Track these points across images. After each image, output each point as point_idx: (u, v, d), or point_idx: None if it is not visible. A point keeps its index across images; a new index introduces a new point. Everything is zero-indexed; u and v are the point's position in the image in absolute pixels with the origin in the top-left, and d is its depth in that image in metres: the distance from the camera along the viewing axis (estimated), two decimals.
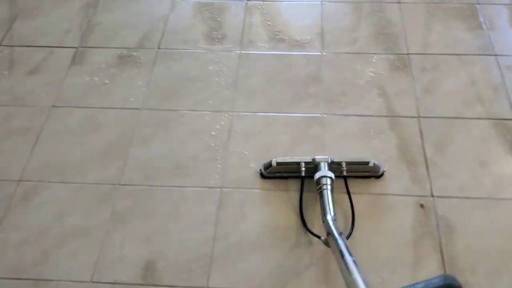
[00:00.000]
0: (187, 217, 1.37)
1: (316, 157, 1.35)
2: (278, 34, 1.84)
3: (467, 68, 1.70)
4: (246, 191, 1.42)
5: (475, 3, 1.91)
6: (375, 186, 1.43)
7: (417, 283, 0.63)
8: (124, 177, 1.46)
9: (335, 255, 1.10)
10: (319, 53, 1.78)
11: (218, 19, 1.91)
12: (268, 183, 1.44)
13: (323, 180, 1.30)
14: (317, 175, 1.32)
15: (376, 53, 1.76)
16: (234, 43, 1.82)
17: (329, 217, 1.21)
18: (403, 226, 1.33)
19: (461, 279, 1.11)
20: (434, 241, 1.31)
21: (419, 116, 1.58)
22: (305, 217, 1.32)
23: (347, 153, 1.47)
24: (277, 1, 1.97)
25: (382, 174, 1.42)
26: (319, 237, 1.24)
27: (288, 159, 1.38)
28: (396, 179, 1.43)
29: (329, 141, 1.53)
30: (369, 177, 1.42)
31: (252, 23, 1.89)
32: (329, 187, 1.29)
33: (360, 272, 0.98)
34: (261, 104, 1.63)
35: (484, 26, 1.82)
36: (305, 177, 1.35)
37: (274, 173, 1.41)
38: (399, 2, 1.94)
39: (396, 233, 1.32)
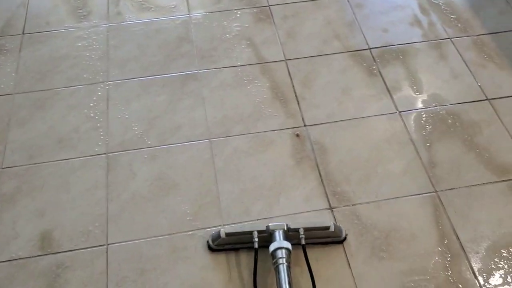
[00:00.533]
0: (77, 186, 1.38)
1: (270, 224, 1.19)
2: (144, 4, 1.88)
3: (322, 11, 1.83)
4: (133, 152, 1.45)
5: None
6: (335, 252, 1.29)
7: None
8: (6, 161, 1.44)
9: None
10: (186, 15, 1.83)
11: None
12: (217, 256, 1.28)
13: (279, 253, 1.14)
14: (272, 247, 1.15)
15: (239, 9, 1.85)
16: (101, 17, 1.83)
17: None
18: (284, 155, 1.44)
19: (338, 189, 1.26)
20: (311, 163, 1.43)
21: (286, 59, 1.70)
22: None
23: (226, 102, 1.59)
24: None
25: (344, 239, 1.27)
26: None
27: (238, 228, 1.23)
28: (272, 117, 1.53)
29: (207, 94, 1.60)
30: (330, 243, 1.27)
31: None
32: (285, 261, 1.13)
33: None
34: (135, 70, 1.66)
35: None
36: (259, 246, 1.18)
37: (223, 245, 1.24)
38: None
39: (279, 163, 1.43)
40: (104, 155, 1.45)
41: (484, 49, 1.71)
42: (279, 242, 1.15)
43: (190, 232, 1.30)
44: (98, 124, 1.51)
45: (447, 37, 1.75)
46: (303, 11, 1.84)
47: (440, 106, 1.55)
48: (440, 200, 1.35)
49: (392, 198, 1.35)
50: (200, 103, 1.56)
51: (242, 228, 1.23)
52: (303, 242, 1.18)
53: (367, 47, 1.72)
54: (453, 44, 1.73)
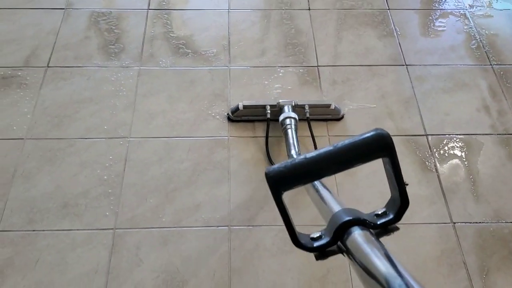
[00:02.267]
0: (75, 267, 1.22)
1: (280, 100, 1.43)
2: (182, 47, 1.70)
3: (377, 80, 1.62)
4: (143, 232, 1.27)
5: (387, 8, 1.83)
6: (336, 127, 1.53)
7: (355, 137, 0.65)
8: (3, 222, 1.28)
9: (319, 207, 0.99)
10: (226, 67, 1.64)
11: (116, 30, 1.73)
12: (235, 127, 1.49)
13: (287, 121, 1.37)
14: (281, 117, 1.39)
15: (284, 66, 1.65)
16: (133, 58, 1.65)
17: (293, 152, 1.27)
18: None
19: None
20: (345, 275, 1.21)
21: (329, 135, 1.49)
22: (272, 156, 1.42)
23: (254, 180, 1.42)
24: (181, 9, 1.81)
25: (342, 117, 1.52)
26: None
27: (254, 102, 1.46)
28: (304, 209, 1.32)
29: (235, 168, 1.41)
30: (330, 119, 1.51)
31: (154, 35, 1.73)
32: (293, 126, 1.36)
33: (329, 191, 0.88)
34: (161, 127, 1.49)
35: (395, 34, 1.75)
36: (270, 119, 1.43)
37: (241, 116, 1.48)
38: (309, 9, 1.82)
39: (306, 271, 1.22)
40: (111, 230, 1.27)
41: None
42: (288, 113, 1.39)
43: None
44: (110, 190, 1.34)
45: None
46: (355, 77, 1.63)
47: (503, 222, 1.31)
48: None
49: None
50: (225, 177, 1.37)
51: (257, 102, 1.47)
52: (307, 115, 1.43)
53: (424, 132, 1.50)
54: None
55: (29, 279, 1.20)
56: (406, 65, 1.68)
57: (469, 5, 1.87)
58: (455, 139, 1.49)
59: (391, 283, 0.52)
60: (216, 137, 1.47)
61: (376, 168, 1.38)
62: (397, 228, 0.69)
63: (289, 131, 1.36)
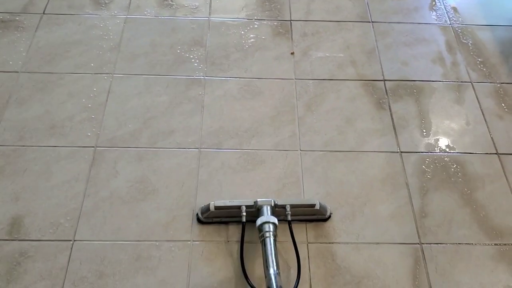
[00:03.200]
0: (58, 175, 1.37)
1: (258, 200, 1.23)
2: (167, 0, 1.85)
3: (344, 34, 1.77)
4: (121, 150, 1.43)
5: None
6: (322, 230, 1.33)
7: None
8: None
9: None
10: (206, 18, 1.80)
11: None
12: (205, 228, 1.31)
13: (266, 227, 1.18)
14: (259, 221, 1.19)
15: (260, 19, 1.81)
16: (121, 8, 1.82)
17: (271, 271, 1.11)
18: (272, 178, 1.40)
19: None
20: (298, 190, 1.37)
21: (296, 78, 1.64)
22: (247, 268, 1.19)
23: (225, 113, 1.56)
24: None
25: (329, 217, 1.32)
26: None
27: (228, 202, 1.25)
28: (268, 136, 1.49)
29: (208, 102, 1.56)
30: (315, 220, 1.32)
31: None
32: (271, 235, 1.17)
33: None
34: (142, 66, 1.64)
35: None
36: (246, 221, 1.22)
37: (212, 218, 1.28)
38: None
39: (265, 184, 1.40)
40: (92, 148, 1.43)
41: (506, 99, 1.61)
42: (267, 216, 1.19)
43: (157, 243, 1.26)
44: (93, 116, 1.50)
45: (468, 80, 1.66)
46: (324, 30, 1.78)
47: (445, 153, 1.47)
48: (423, 254, 1.27)
49: (374, 243, 1.29)
50: (199, 110, 1.53)
51: (231, 203, 1.25)
52: (289, 218, 1.23)
53: (382, 78, 1.65)
54: (474, 89, 1.64)
55: (17, 183, 1.36)
56: (372, 22, 1.83)
57: None
58: (409, 84, 1.65)
59: None
60: (192, 77, 1.62)
61: (335, 106, 1.55)
62: None
63: (268, 240, 1.17)
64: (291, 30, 1.78)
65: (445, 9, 1.88)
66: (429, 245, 1.29)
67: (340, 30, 1.79)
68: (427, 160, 1.45)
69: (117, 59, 1.65)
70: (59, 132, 1.46)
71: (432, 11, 1.87)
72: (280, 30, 1.78)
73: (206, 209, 1.26)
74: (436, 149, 1.47)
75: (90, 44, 1.69)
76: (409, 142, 1.49)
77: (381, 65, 1.69)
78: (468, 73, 1.68)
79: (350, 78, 1.64)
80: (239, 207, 1.24)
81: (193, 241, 1.28)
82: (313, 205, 1.25)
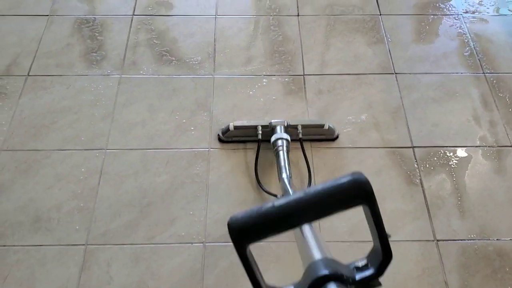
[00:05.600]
0: (44, 283, 1.20)
1: (272, 120, 1.39)
2: (166, 54, 1.66)
3: (364, 90, 1.57)
4: (115, 248, 1.23)
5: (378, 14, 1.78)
6: (329, 147, 1.46)
7: (328, 182, 0.59)
8: None
9: (298, 244, 0.94)
10: (210, 76, 1.60)
11: (99, 37, 1.70)
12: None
13: (279, 142, 1.33)
14: (273, 138, 1.35)
15: (269, 75, 1.61)
16: (115, 65, 1.62)
17: (284, 176, 1.24)
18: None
19: None
20: None
21: (312, 147, 1.44)
22: (262, 178, 1.37)
23: (233, 195, 1.38)
24: (166, 15, 1.77)
25: (337, 137, 1.46)
26: (275, 195, 1.29)
27: (245, 122, 1.42)
28: None
29: (214, 181, 1.38)
30: (324, 140, 1.45)
31: (137, 42, 1.69)
32: (284, 148, 1.32)
33: (313, 231, 0.82)
34: (139, 138, 1.45)
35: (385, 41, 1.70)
36: (262, 140, 1.38)
37: (231, 137, 1.44)
38: (298, 15, 1.78)
39: None
40: (83, 246, 1.24)
41: None
42: (280, 134, 1.36)
43: None
44: (83, 204, 1.31)
45: (509, 144, 1.44)
46: (341, 86, 1.58)
47: (488, 240, 1.26)
48: None
49: None
50: (203, 191, 1.34)
51: (248, 123, 1.42)
52: (300, 136, 1.38)
53: (410, 144, 1.44)
54: None
55: None
56: (395, 73, 1.63)
57: (464, 10, 1.81)
58: (442, 151, 1.44)
59: None
60: (196, 149, 1.43)
61: None
62: (379, 284, 0.62)
63: (281, 153, 1.32)
64: (305, 88, 1.58)
65: (477, 54, 1.66)
66: None
67: (360, 84, 1.58)
68: (468, 251, 1.24)
69: (110, 130, 1.46)
70: (44, 227, 1.27)
71: (463, 58, 1.65)
72: (292, 88, 1.58)
73: (226, 129, 1.42)
74: (476, 235, 1.27)
75: (80, 111, 1.50)
76: (446, 227, 1.28)
77: (408, 127, 1.48)
78: (507, 135, 1.46)
79: (374, 145, 1.44)
80: (255, 126, 1.40)
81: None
82: (322, 125, 1.40)
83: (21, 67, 1.63)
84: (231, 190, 1.35)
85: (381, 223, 0.59)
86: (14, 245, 1.26)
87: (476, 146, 1.45)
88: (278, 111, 1.50)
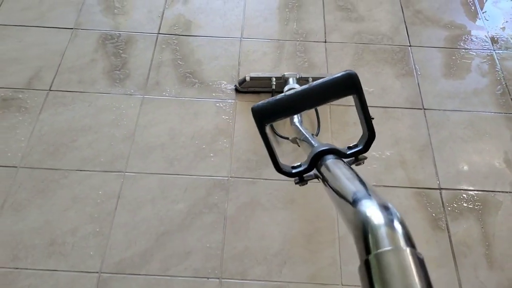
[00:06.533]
0: None
1: (285, 73, 1.50)
2: (189, 76, 1.62)
3: (392, 124, 1.52)
4: (128, 278, 1.20)
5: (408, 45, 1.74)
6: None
7: (327, 77, 0.76)
8: None
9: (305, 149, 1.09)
10: (232, 101, 1.56)
11: (123, 54, 1.67)
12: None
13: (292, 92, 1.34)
14: (286, 88, 1.44)
15: None
16: (138, 85, 1.59)
17: (296, 120, 1.32)
18: None
19: None
20: None
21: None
22: (276, 126, 1.50)
23: (252, 229, 1.30)
24: (192, 35, 1.74)
25: None
26: (287, 138, 1.43)
27: (260, 74, 1.52)
28: (302, 264, 1.24)
29: (232, 213, 1.33)
30: None
31: (162, 61, 1.66)
32: None
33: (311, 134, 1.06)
34: (158, 163, 1.41)
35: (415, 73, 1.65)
36: (275, 91, 1.49)
37: (247, 87, 1.56)
38: (325, 42, 1.73)
39: None
40: (96, 274, 1.20)
41: None
42: (292, 84, 1.47)
43: None
44: (98, 230, 1.27)
45: None
46: None
47: None
48: None
49: None
50: (221, 223, 1.29)
51: (263, 74, 1.52)
52: None
53: (437, 185, 1.39)
54: None
55: None
56: (424, 109, 1.58)
57: (497, 46, 1.75)
58: (471, 195, 1.38)
59: (358, 199, 0.55)
60: (215, 177, 1.39)
61: None
62: (365, 157, 0.81)
63: None
64: (330, 117, 1.52)
65: (509, 93, 1.61)
66: None
67: (388, 119, 1.53)
68: None
69: (130, 152, 1.42)
70: (59, 251, 1.23)
71: (494, 96, 1.60)
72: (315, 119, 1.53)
73: (242, 80, 1.54)
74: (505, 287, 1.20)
75: (101, 131, 1.47)
76: (473, 277, 1.23)
77: (435, 167, 1.43)
78: None
79: (401, 184, 1.39)
80: (269, 78, 1.51)
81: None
82: None
83: (43, 81, 1.60)
84: (249, 220, 1.31)
85: (366, 109, 0.77)
86: (27, 269, 1.22)
87: (507, 192, 1.39)
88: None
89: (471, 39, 1.78)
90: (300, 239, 1.29)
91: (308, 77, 1.50)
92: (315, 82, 0.76)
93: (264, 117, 0.77)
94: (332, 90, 0.75)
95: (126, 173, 1.40)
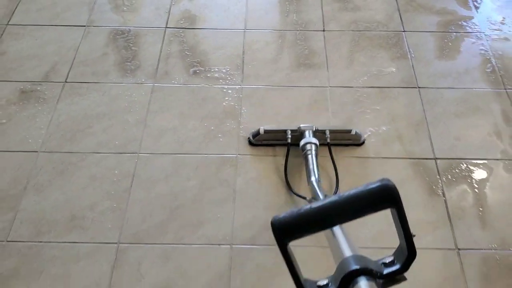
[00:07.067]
0: (78, 280, 1.25)
1: (301, 125, 1.44)
2: (196, 65, 1.73)
3: (388, 103, 1.61)
4: (146, 247, 1.29)
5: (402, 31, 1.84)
6: (356, 152, 1.52)
7: (359, 187, 0.67)
8: (12, 233, 1.33)
9: (330, 242, 1.00)
10: (238, 86, 1.66)
11: (133, 48, 1.78)
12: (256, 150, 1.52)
13: (308, 146, 1.38)
14: (302, 142, 1.40)
15: (296, 86, 1.66)
16: (148, 75, 1.70)
17: (313, 179, 1.29)
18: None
19: None
20: None
21: (333, 158, 1.48)
22: (292, 181, 1.42)
23: (260, 199, 1.42)
24: (198, 28, 1.85)
25: (363, 142, 1.51)
26: (304, 197, 1.34)
27: (275, 127, 1.48)
28: None
29: (241, 186, 1.42)
30: (351, 145, 1.51)
31: (170, 53, 1.77)
32: (313, 152, 1.37)
33: (344, 232, 0.88)
34: (170, 144, 1.51)
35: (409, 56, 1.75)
36: (291, 144, 1.44)
37: (261, 140, 1.49)
38: (323, 30, 1.84)
39: None
40: (115, 245, 1.30)
41: None
42: (309, 138, 1.41)
43: None
44: (116, 205, 1.37)
45: None
46: (366, 99, 1.62)
47: (509, 250, 1.29)
48: None
49: None
50: (231, 196, 1.39)
51: (278, 127, 1.48)
52: (328, 141, 1.44)
53: (432, 156, 1.48)
54: None
55: None
56: (419, 87, 1.67)
57: (486, 28, 1.85)
58: (464, 163, 1.47)
59: None
60: (224, 155, 1.49)
61: None
62: (405, 278, 0.69)
63: (309, 156, 1.37)
64: (329, 98, 1.62)
65: (498, 71, 1.70)
66: None
67: (384, 98, 1.63)
68: (490, 260, 1.27)
69: (143, 135, 1.53)
70: (79, 225, 1.33)
71: (485, 74, 1.69)
72: (317, 99, 1.64)
73: (256, 133, 1.48)
74: (498, 246, 1.30)
75: (115, 118, 1.57)
76: (467, 236, 1.32)
77: (431, 140, 1.52)
78: None
79: (398, 156, 1.48)
80: (285, 131, 1.46)
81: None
82: (349, 131, 1.46)
83: (59, 74, 1.71)
84: (259, 195, 1.41)
85: (406, 224, 0.66)
86: (50, 242, 1.32)
87: (498, 159, 1.48)
88: (303, 121, 1.54)
89: (462, 23, 1.88)
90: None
91: (325, 130, 1.45)
92: (346, 194, 0.66)
93: (286, 234, 0.65)
94: (366, 203, 0.66)
95: (140, 154, 1.50)
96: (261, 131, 1.46)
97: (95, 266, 1.27)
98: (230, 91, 1.66)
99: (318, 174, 1.32)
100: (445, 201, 1.39)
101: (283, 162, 1.44)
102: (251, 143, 1.51)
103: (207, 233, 1.33)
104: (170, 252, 1.30)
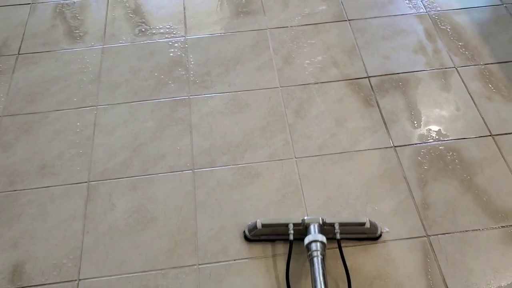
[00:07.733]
0: (55, 216, 1.35)
1: (305, 217, 1.20)
2: (141, 25, 1.84)
3: (322, 36, 1.76)
4: (114, 182, 1.41)
5: None
6: (372, 250, 1.28)
7: None
8: None
9: None
10: (182, 37, 1.78)
11: (79, 17, 1.88)
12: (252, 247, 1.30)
13: (313, 246, 1.15)
14: (306, 240, 1.16)
15: (237, 32, 1.80)
16: (97, 39, 1.80)
17: None
18: (271, 189, 1.37)
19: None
20: (297, 198, 1.36)
21: (280, 86, 1.63)
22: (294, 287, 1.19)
23: (214, 130, 1.55)
24: None
25: (380, 236, 1.27)
26: None
27: (274, 220, 1.24)
28: (261, 148, 1.49)
29: (196, 121, 1.55)
30: (365, 239, 1.27)
31: (115, 18, 1.88)
32: (319, 254, 1.14)
33: None
34: (125, 94, 1.62)
35: None
36: (294, 240, 1.19)
37: (259, 235, 1.26)
38: None
39: (264, 198, 1.36)
40: (85, 183, 1.40)
41: (492, 79, 1.61)
42: (314, 235, 1.16)
43: (163, 271, 1.23)
44: (82, 151, 1.47)
45: (452, 66, 1.65)
46: (302, 35, 1.77)
47: (439, 141, 1.46)
48: (432, 246, 1.26)
49: (380, 242, 1.27)
50: (187, 130, 1.51)
51: (278, 220, 1.24)
52: (338, 237, 1.18)
53: (365, 75, 1.64)
54: (459, 73, 1.63)
55: (14, 229, 1.33)
56: (348, 20, 1.83)
57: None
58: (394, 77, 1.64)
59: None
60: (176, 98, 1.61)
61: (323, 109, 1.54)
62: None
63: (315, 260, 1.13)
64: (269, 38, 1.76)
65: None
66: (436, 236, 1.28)
67: (318, 32, 1.78)
68: (422, 151, 1.44)
69: (99, 90, 1.63)
70: (50, 172, 1.43)
71: (407, 2, 1.87)
72: (259, 40, 1.77)
73: (253, 227, 1.24)
74: (429, 139, 1.47)
75: (70, 79, 1.68)
76: (402, 135, 1.48)
77: (363, 62, 1.68)
78: (451, 58, 1.68)
79: (335, 79, 1.64)
80: (286, 224, 1.21)
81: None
82: (363, 223, 1.21)
83: (11, 48, 1.80)
84: (212, 125, 1.53)
85: None
86: (24, 189, 1.41)
87: (424, 70, 1.66)
88: (245, 60, 1.69)
89: None
90: (256, 131, 1.52)
91: (333, 223, 1.20)
92: None
93: None
94: None
95: (98, 106, 1.61)
96: (258, 225, 1.22)
97: (69, 203, 1.38)
98: (176, 44, 1.78)
99: (325, 286, 1.10)
100: (380, 109, 1.56)
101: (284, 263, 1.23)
102: (247, 238, 1.28)
103: (169, 163, 1.45)
104: (137, 182, 1.41)
